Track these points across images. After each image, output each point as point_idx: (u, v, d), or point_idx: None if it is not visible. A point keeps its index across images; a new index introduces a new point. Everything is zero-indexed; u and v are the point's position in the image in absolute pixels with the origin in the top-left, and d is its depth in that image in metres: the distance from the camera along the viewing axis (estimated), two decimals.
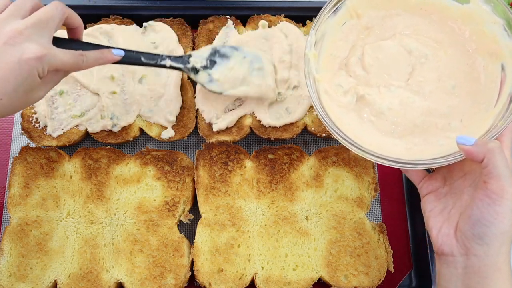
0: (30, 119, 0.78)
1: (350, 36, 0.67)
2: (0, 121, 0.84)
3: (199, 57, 0.73)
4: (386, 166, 0.81)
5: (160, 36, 0.81)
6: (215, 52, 0.73)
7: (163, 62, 0.70)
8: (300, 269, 0.71)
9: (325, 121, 0.59)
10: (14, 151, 0.83)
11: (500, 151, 0.50)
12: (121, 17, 0.83)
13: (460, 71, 0.63)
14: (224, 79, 0.72)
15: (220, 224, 0.73)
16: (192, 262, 0.72)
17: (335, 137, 0.59)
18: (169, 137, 0.77)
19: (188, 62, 0.72)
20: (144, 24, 0.82)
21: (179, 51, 0.80)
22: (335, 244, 0.72)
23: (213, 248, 0.72)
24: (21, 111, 0.78)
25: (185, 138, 0.78)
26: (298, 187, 0.75)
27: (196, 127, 0.79)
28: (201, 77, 0.73)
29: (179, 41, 0.82)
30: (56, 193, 0.75)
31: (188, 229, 0.78)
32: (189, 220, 0.74)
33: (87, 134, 0.79)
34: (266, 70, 0.75)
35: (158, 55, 0.70)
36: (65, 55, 0.56)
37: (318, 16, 0.64)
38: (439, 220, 0.57)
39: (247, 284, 0.70)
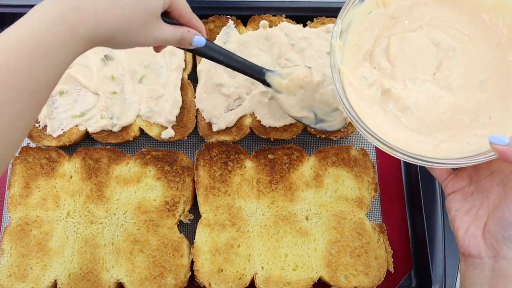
0: None
1: (375, 26, 0.64)
2: None
3: None
4: (386, 166, 0.82)
5: None
6: None
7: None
8: (300, 269, 0.71)
9: (350, 115, 0.56)
10: None
11: None
12: None
13: (489, 66, 0.60)
14: None
15: (220, 224, 0.73)
16: (192, 262, 0.72)
17: (361, 132, 0.56)
18: (169, 137, 0.77)
19: None
20: None
21: (178, 51, 0.80)
22: (335, 244, 0.72)
23: (213, 248, 0.72)
24: None
25: (185, 138, 0.78)
26: (298, 187, 0.75)
27: (196, 127, 0.79)
28: None
29: None
30: (56, 193, 0.75)
31: (188, 229, 0.78)
32: (189, 220, 0.74)
33: (87, 134, 0.79)
34: None
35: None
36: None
37: (345, 5, 0.60)
38: (466, 221, 0.54)
39: (247, 284, 0.70)
